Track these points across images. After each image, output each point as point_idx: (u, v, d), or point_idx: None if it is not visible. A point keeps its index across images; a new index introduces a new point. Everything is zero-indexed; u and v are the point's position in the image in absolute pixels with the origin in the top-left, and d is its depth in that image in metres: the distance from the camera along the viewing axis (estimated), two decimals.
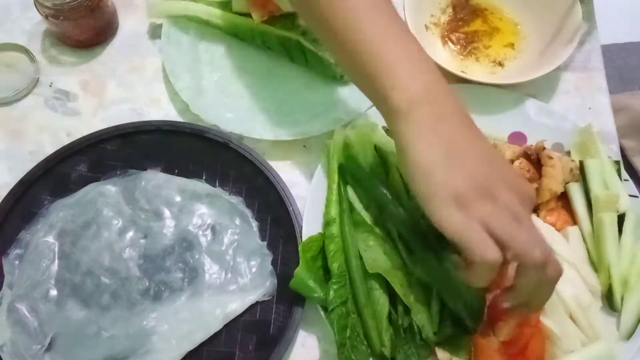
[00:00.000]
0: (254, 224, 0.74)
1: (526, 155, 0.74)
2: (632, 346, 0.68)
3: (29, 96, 0.83)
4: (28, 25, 0.87)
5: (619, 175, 0.74)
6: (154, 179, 0.75)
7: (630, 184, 0.75)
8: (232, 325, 0.69)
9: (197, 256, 0.72)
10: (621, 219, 0.71)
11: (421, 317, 0.64)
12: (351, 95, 0.82)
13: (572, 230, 0.71)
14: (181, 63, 0.83)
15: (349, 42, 0.58)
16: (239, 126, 0.78)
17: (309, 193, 0.73)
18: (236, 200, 0.75)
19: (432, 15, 0.88)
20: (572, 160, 0.74)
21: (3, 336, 0.66)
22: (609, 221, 0.70)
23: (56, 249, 0.71)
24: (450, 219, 0.51)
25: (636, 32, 1.60)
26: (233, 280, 0.71)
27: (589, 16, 0.91)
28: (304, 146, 0.81)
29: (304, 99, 0.82)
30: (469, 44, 0.87)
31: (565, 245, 0.70)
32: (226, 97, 0.82)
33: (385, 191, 0.69)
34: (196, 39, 0.86)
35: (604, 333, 0.66)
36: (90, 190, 0.74)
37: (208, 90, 0.82)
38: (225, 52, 0.86)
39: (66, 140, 0.77)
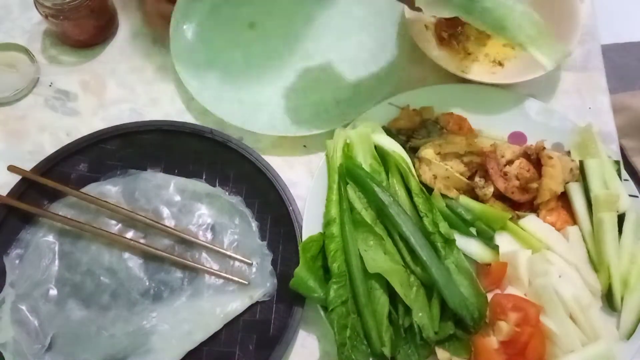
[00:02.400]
0: (254, 224, 0.74)
1: (526, 155, 0.74)
2: (632, 346, 0.68)
3: (29, 96, 0.83)
4: (28, 25, 0.87)
5: (619, 175, 0.74)
6: (154, 179, 0.75)
7: (630, 184, 0.75)
8: (232, 325, 0.69)
9: (197, 256, 0.72)
10: (621, 219, 0.71)
11: (422, 317, 0.64)
12: (354, 96, 0.82)
13: (572, 230, 0.71)
14: (189, 55, 0.83)
15: None
16: (243, 120, 0.78)
17: (309, 193, 0.73)
18: (235, 200, 0.75)
19: (432, 16, 0.88)
20: (572, 160, 0.74)
21: (6, 335, 0.66)
22: (609, 221, 0.70)
23: (56, 249, 0.71)
24: None
25: (636, 32, 1.60)
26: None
27: (589, 16, 0.91)
28: (304, 146, 0.81)
29: (308, 97, 0.83)
30: (467, 43, 0.87)
31: (565, 245, 0.70)
32: (232, 91, 0.83)
33: (385, 191, 0.69)
34: (204, 30, 0.86)
35: (604, 333, 0.66)
36: (90, 190, 0.74)
37: (214, 83, 0.82)
38: (234, 47, 0.86)
39: (66, 140, 0.77)
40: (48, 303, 0.68)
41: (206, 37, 0.85)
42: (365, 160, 0.73)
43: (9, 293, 0.68)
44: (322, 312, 0.67)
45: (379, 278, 0.66)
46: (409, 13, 0.81)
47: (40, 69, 0.84)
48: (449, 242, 0.68)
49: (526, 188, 0.72)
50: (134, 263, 0.71)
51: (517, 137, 0.79)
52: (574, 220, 0.73)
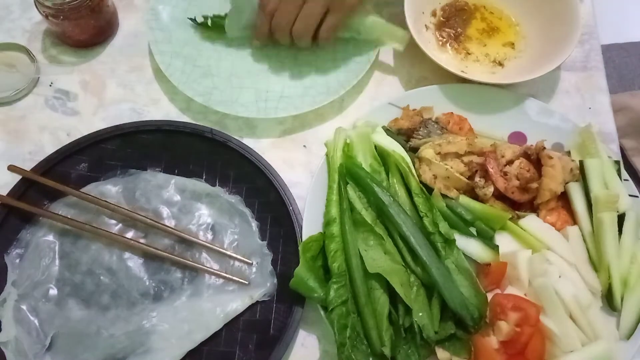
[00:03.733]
0: (254, 224, 0.74)
1: (526, 155, 0.74)
2: (632, 346, 0.68)
3: (29, 96, 0.83)
4: (28, 25, 0.87)
5: (619, 175, 0.74)
6: (154, 179, 0.75)
7: (630, 184, 0.75)
8: (232, 325, 0.69)
9: (197, 256, 0.72)
10: (621, 219, 0.71)
11: (422, 317, 0.64)
12: (335, 77, 0.83)
13: (572, 230, 0.71)
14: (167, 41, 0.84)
15: None
16: (224, 104, 0.79)
17: (309, 193, 0.73)
18: (235, 200, 0.75)
19: (432, 16, 0.88)
20: (572, 160, 0.74)
21: (8, 333, 0.66)
22: (609, 221, 0.70)
23: (56, 248, 0.71)
24: None
25: (636, 32, 1.59)
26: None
27: (589, 16, 0.91)
28: (304, 146, 0.81)
29: (289, 77, 0.84)
30: (467, 43, 0.87)
31: (565, 245, 0.70)
32: (214, 76, 0.83)
33: (385, 191, 0.69)
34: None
35: (604, 333, 0.66)
36: (90, 190, 0.74)
37: (195, 70, 0.83)
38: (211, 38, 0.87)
39: (66, 140, 0.77)
40: (48, 303, 0.68)
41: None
42: (365, 160, 0.73)
43: (11, 292, 0.68)
44: (322, 312, 0.66)
45: (379, 278, 0.66)
46: (408, 14, 0.81)
47: (40, 69, 0.84)
48: (449, 242, 0.68)
49: (526, 188, 0.72)
50: (134, 263, 0.71)
51: (517, 137, 0.79)
52: (574, 220, 0.73)
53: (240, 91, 0.82)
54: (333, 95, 0.79)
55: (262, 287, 0.71)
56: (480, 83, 0.80)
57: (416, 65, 0.86)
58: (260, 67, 0.85)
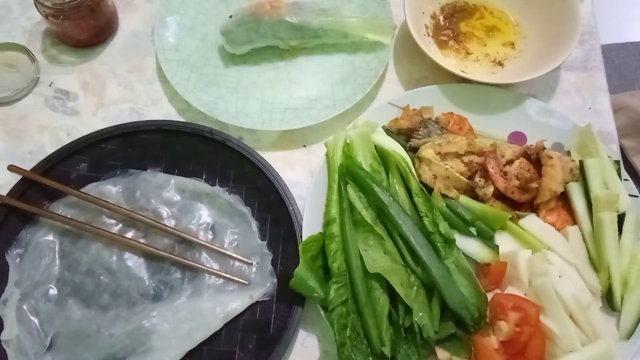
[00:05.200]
0: (254, 224, 0.74)
1: (526, 155, 0.74)
2: (632, 346, 0.68)
3: (29, 96, 0.83)
4: (28, 24, 0.87)
5: (619, 175, 0.74)
6: (154, 179, 0.75)
7: (630, 183, 0.75)
8: (232, 325, 0.69)
9: (197, 255, 0.72)
10: (621, 218, 0.71)
11: (422, 317, 0.64)
12: (341, 90, 0.82)
13: (572, 230, 0.72)
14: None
15: None
16: (228, 114, 0.79)
17: (309, 193, 0.73)
18: (234, 199, 0.75)
19: (431, 16, 0.88)
20: (572, 160, 0.74)
21: (10, 332, 0.66)
22: (609, 221, 0.70)
23: (56, 248, 0.71)
24: None
25: (636, 32, 1.60)
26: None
27: (589, 16, 0.91)
28: (304, 146, 0.81)
29: (296, 89, 0.83)
30: (467, 43, 0.87)
31: (565, 245, 0.70)
32: (220, 86, 0.83)
33: (385, 191, 0.69)
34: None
35: (604, 333, 0.66)
36: (90, 190, 0.74)
37: (201, 79, 0.83)
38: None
39: (66, 140, 0.77)
40: (48, 303, 0.68)
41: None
42: (365, 160, 0.73)
43: (14, 292, 0.68)
44: (322, 312, 0.67)
45: (379, 278, 0.66)
46: (408, 14, 0.81)
47: (40, 69, 0.84)
48: (449, 242, 0.68)
49: (526, 188, 0.72)
50: (134, 263, 0.71)
51: (517, 137, 0.79)
52: (574, 220, 0.73)
53: (246, 102, 0.81)
54: (338, 109, 0.79)
55: (262, 287, 0.71)
56: (480, 83, 0.80)
57: (416, 65, 0.86)
58: (266, 78, 0.84)
